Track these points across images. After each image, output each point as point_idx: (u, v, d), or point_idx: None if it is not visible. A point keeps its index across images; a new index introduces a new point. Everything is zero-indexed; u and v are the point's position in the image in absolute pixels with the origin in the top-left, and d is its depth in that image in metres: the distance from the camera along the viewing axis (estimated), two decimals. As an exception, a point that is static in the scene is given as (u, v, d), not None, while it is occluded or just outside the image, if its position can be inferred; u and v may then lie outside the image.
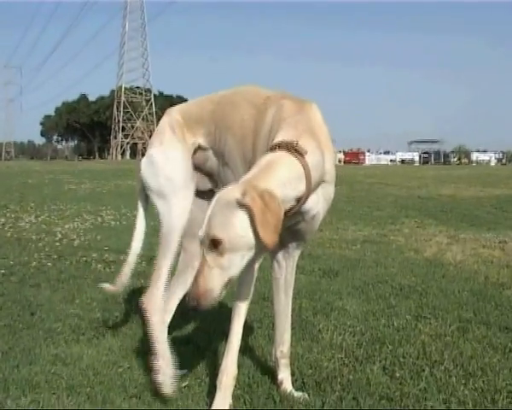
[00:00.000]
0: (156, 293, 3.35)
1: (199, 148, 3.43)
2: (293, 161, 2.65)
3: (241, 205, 2.45)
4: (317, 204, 2.90)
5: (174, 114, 3.52)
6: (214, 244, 2.47)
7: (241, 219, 2.47)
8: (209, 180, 3.56)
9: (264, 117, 3.02)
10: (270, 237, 2.44)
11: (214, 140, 3.35)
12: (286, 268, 3.26)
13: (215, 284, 2.48)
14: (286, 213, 2.62)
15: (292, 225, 2.94)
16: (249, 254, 2.53)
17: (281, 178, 2.60)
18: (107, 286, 3.91)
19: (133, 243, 3.74)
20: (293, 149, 2.67)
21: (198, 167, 3.48)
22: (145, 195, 3.56)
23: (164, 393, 3.15)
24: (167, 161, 3.37)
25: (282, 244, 3.19)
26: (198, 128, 3.41)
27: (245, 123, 3.16)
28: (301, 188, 2.66)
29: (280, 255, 3.24)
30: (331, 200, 3.04)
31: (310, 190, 2.70)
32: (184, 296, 3.55)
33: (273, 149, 2.70)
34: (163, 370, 3.22)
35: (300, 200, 2.69)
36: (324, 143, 2.86)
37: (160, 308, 3.37)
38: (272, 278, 3.33)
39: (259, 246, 2.52)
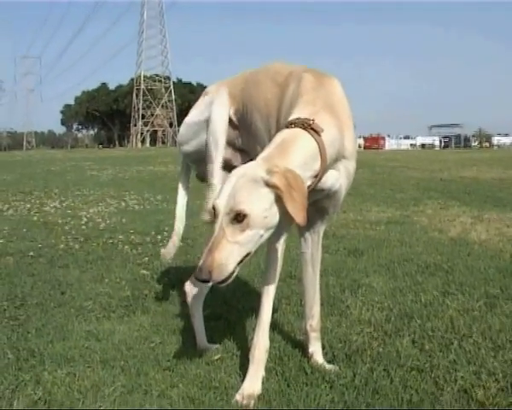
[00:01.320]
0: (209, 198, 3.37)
1: (230, 122, 3.46)
2: (308, 140, 2.67)
3: (268, 184, 2.48)
4: (338, 180, 2.95)
5: (214, 89, 3.58)
6: (238, 219, 2.47)
7: (267, 198, 2.50)
8: (241, 156, 3.58)
9: (286, 93, 3.05)
10: (300, 215, 2.48)
11: (243, 118, 3.39)
12: (311, 242, 3.30)
13: (232, 258, 2.47)
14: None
15: (315, 202, 2.99)
16: (268, 233, 2.56)
17: (297, 157, 2.63)
18: (162, 251, 4.00)
19: (177, 213, 3.89)
20: (309, 126, 2.69)
21: (231, 144, 3.51)
22: (186, 170, 3.75)
23: None
24: (201, 102, 3.56)
25: (308, 220, 3.23)
26: (232, 104, 3.46)
27: (269, 102, 3.19)
28: (316, 167, 2.69)
29: (306, 231, 3.28)
30: (352, 176, 3.07)
31: (325, 167, 2.72)
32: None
33: (289, 126, 2.73)
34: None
35: (316, 177, 2.72)
36: (344, 119, 2.88)
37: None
38: (299, 254, 3.37)
39: (286, 224, 2.55)
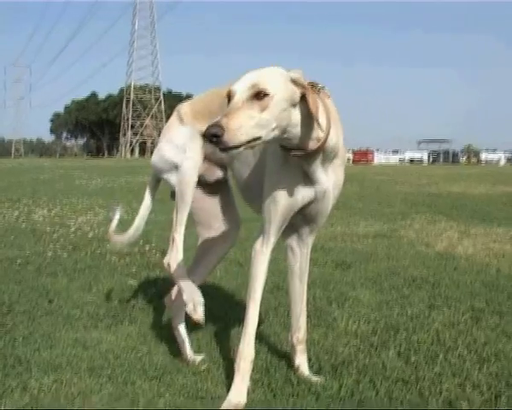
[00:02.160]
0: (176, 245, 3.40)
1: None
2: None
3: (295, 81, 2.59)
4: (327, 180, 2.96)
5: (182, 108, 3.56)
6: (259, 97, 2.50)
7: (291, 92, 2.59)
8: (219, 169, 3.61)
9: None
10: (318, 113, 2.59)
11: None
12: (300, 255, 3.31)
13: (245, 129, 2.44)
14: (308, 153, 2.77)
15: (304, 207, 3.02)
16: (277, 132, 2.57)
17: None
18: (115, 236, 4.07)
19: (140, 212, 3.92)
20: (317, 90, 2.76)
21: (207, 158, 3.52)
22: (155, 183, 3.72)
23: (195, 319, 3.16)
24: (176, 136, 3.45)
25: (296, 230, 3.27)
26: (206, 121, 3.40)
27: None
28: (324, 122, 2.74)
29: (294, 243, 3.31)
30: (341, 184, 3.10)
31: (328, 132, 2.77)
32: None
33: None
34: (191, 298, 3.23)
35: (320, 141, 2.76)
36: (334, 116, 2.88)
37: (180, 257, 3.39)
38: (287, 265, 3.37)
39: (302, 126, 2.65)
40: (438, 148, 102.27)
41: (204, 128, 3.42)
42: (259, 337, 3.72)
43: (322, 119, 2.72)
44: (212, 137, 2.40)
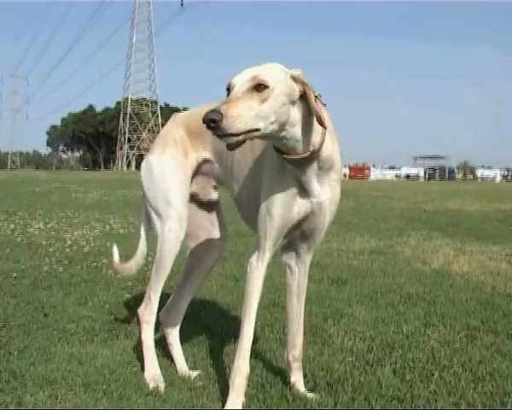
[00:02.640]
0: (149, 311, 3.53)
1: (204, 161, 3.50)
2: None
3: (295, 78, 2.64)
4: (323, 192, 2.97)
5: (178, 125, 3.57)
6: (259, 89, 2.53)
7: (291, 88, 2.62)
8: (214, 191, 3.66)
9: None
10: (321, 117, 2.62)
11: (221, 153, 3.40)
12: (298, 274, 3.30)
13: (244, 118, 2.46)
14: (304, 158, 2.77)
15: (300, 222, 3.03)
16: (275, 127, 2.59)
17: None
18: (116, 257, 4.06)
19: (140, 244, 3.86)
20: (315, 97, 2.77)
21: (205, 177, 3.57)
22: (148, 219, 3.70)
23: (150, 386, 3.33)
24: (165, 179, 3.45)
25: (294, 248, 3.27)
26: (203, 142, 3.47)
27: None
28: (319, 128, 2.76)
29: (292, 262, 3.30)
30: (338, 199, 3.10)
31: (323, 139, 2.79)
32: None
33: None
34: (151, 377, 3.43)
35: (317, 150, 2.78)
36: (329, 126, 2.87)
37: (151, 322, 3.54)
38: (285, 284, 3.37)
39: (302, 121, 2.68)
40: (434, 164, 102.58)
41: (198, 156, 3.49)
42: (255, 353, 3.72)
43: (316, 125, 2.75)
44: (210, 122, 2.42)
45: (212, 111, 2.41)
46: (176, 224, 3.39)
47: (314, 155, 2.80)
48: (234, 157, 3.29)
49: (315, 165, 2.85)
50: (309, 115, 2.72)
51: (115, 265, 4.06)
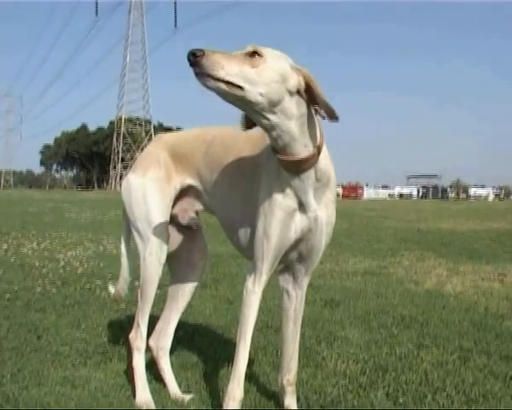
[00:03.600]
0: (138, 337, 3.52)
1: (188, 187, 3.50)
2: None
3: (296, 68, 2.65)
4: (320, 209, 2.96)
5: (162, 147, 3.55)
6: (252, 55, 2.53)
7: (286, 72, 2.62)
8: (194, 214, 3.64)
9: (263, 147, 3.11)
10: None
11: (207, 181, 3.40)
12: (295, 298, 3.28)
13: (227, 68, 2.45)
14: (300, 161, 2.76)
15: (298, 242, 3.02)
16: (268, 99, 2.56)
17: None
18: (111, 290, 4.03)
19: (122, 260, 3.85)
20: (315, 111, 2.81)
21: (188, 201, 3.57)
22: (129, 232, 3.71)
23: None
24: (146, 201, 3.44)
25: (291, 272, 3.26)
26: (188, 167, 3.46)
27: (243, 163, 3.22)
28: (317, 134, 2.80)
29: (290, 286, 3.28)
30: (333, 219, 3.09)
31: (322, 144, 2.82)
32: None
33: None
34: (141, 397, 3.45)
35: (315, 155, 2.79)
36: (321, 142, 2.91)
37: (142, 349, 3.54)
38: (282, 308, 3.34)
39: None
40: (427, 183, 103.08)
41: (182, 181, 3.49)
42: (248, 377, 3.71)
43: (314, 130, 2.79)
44: (191, 55, 2.39)
45: (197, 49, 2.40)
46: (156, 247, 3.40)
47: (311, 160, 2.79)
48: (224, 182, 3.29)
49: (312, 175, 2.84)
50: (309, 117, 2.74)
51: (112, 296, 4.06)
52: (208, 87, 2.47)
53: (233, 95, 2.51)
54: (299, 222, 2.95)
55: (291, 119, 2.67)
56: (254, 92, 2.52)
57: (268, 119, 2.63)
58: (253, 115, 2.66)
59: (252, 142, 3.21)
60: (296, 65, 2.68)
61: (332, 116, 2.70)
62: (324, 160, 2.87)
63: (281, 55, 2.66)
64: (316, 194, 2.92)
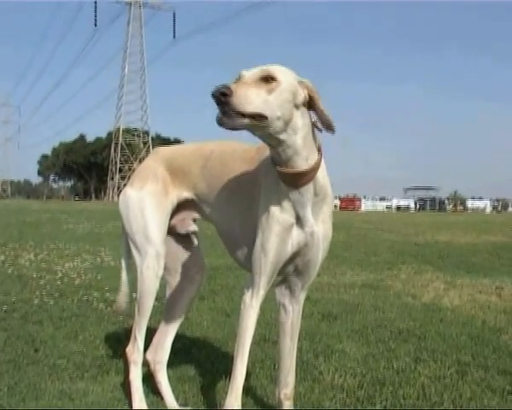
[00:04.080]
0: (136, 351, 3.51)
1: (186, 201, 3.51)
2: None
3: (303, 83, 2.71)
4: (317, 224, 2.98)
5: (160, 161, 3.56)
6: (267, 80, 2.56)
7: (296, 89, 2.68)
8: (192, 223, 3.66)
9: (260, 162, 3.13)
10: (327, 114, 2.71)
11: (205, 195, 3.42)
12: (292, 313, 3.28)
13: (252, 100, 2.49)
14: (299, 174, 2.78)
15: (295, 255, 3.03)
16: (283, 120, 2.61)
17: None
18: (114, 307, 4.06)
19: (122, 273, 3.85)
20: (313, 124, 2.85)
21: (186, 212, 3.58)
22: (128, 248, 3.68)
23: None
24: (143, 215, 3.44)
25: (288, 286, 3.26)
26: (185, 181, 3.47)
27: (241, 179, 3.24)
28: (316, 147, 2.84)
29: (286, 300, 3.28)
30: (330, 234, 3.11)
31: (321, 158, 2.85)
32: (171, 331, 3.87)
33: None
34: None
35: (315, 169, 2.82)
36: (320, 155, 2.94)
37: (139, 362, 3.52)
38: (278, 322, 3.35)
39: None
40: (425, 195, 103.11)
41: (179, 195, 3.50)
42: (245, 390, 3.69)
43: (314, 143, 2.82)
44: (221, 95, 2.42)
45: (223, 86, 2.42)
46: (154, 261, 3.40)
47: (311, 173, 2.81)
48: (222, 197, 3.31)
49: (311, 188, 2.86)
50: (309, 130, 2.77)
51: (113, 310, 4.08)
52: (236, 127, 2.53)
53: (261, 127, 2.58)
54: (295, 237, 2.96)
55: (297, 133, 2.71)
56: (274, 118, 2.58)
57: (278, 138, 2.68)
58: (263, 137, 2.71)
59: (249, 157, 3.23)
60: (300, 78, 2.72)
61: (329, 128, 2.75)
62: (322, 173, 2.90)
63: (290, 73, 2.70)
64: (313, 209, 2.94)
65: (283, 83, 2.60)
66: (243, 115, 2.47)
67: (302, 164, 2.78)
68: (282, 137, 2.67)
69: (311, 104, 2.74)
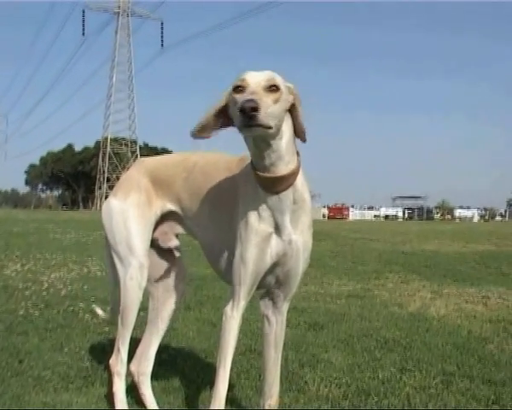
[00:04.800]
0: (119, 362, 3.50)
1: (169, 212, 3.50)
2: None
3: (290, 89, 2.74)
4: (295, 233, 2.97)
5: (144, 171, 3.55)
6: (271, 89, 2.62)
7: (287, 95, 2.72)
8: (175, 238, 3.66)
9: (241, 171, 3.14)
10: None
11: (188, 207, 3.42)
12: (276, 324, 3.28)
13: (271, 112, 2.56)
14: (278, 179, 2.80)
15: (275, 266, 3.02)
16: (279, 127, 2.67)
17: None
18: (100, 312, 4.02)
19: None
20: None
21: (168, 225, 3.57)
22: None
23: None
24: (126, 226, 3.43)
25: (271, 298, 3.26)
26: (168, 193, 3.47)
27: (222, 190, 3.25)
28: (296, 152, 2.87)
29: (269, 312, 3.28)
30: (310, 245, 3.11)
31: (299, 165, 2.87)
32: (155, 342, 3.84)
33: None
34: None
35: (294, 174, 2.83)
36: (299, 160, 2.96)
37: (122, 374, 3.51)
38: (262, 333, 3.35)
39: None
40: (413, 204, 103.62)
41: (163, 206, 3.49)
42: (230, 400, 3.71)
43: (294, 147, 2.85)
44: (251, 110, 2.47)
45: (250, 100, 2.49)
46: (137, 272, 3.39)
47: (291, 178, 2.83)
48: (204, 209, 3.32)
49: (290, 194, 2.87)
50: (291, 134, 2.80)
51: (104, 319, 4.05)
52: (254, 136, 2.66)
53: (269, 135, 2.66)
54: (274, 246, 2.96)
55: (282, 138, 2.74)
56: (277, 126, 2.65)
57: (269, 143, 2.72)
58: (257, 142, 2.74)
59: (230, 168, 3.24)
60: (286, 83, 2.75)
61: (301, 137, 2.77)
62: (300, 179, 2.91)
63: (282, 79, 2.73)
64: (292, 218, 2.94)
65: (284, 92, 2.66)
66: (268, 127, 2.55)
67: (283, 169, 2.79)
68: (272, 141, 2.70)
69: (291, 109, 2.77)
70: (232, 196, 3.13)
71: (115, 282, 3.73)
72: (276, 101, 2.60)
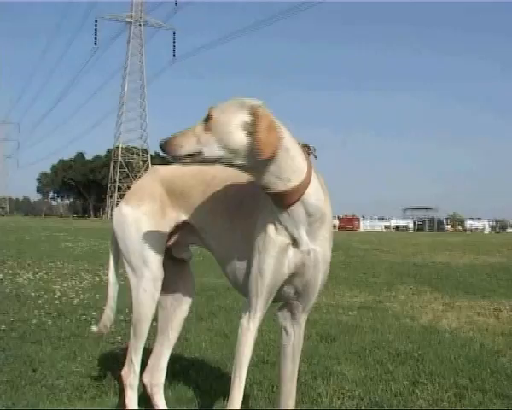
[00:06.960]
0: (131, 374, 3.51)
1: (183, 224, 3.47)
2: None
3: (252, 111, 2.72)
4: (314, 245, 2.97)
5: (158, 180, 3.53)
6: (207, 119, 2.74)
7: (240, 120, 2.72)
8: (188, 250, 3.70)
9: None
10: (265, 149, 2.66)
11: (205, 220, 3.40)
12: (294, 336, 3.27)
13: (186, 147, 2.72)
14: (284, 196, 2.81)
15: (293, 276, 3.02)
16: (228, 149, 2.71)
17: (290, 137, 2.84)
18: (94, 329, 4.00)
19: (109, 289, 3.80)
20: (308, 149, 2.94)
21: (182, 235, 3.56)
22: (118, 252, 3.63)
23: None
24: (140, 237, 3.40)
25: (289, 310, 3.26)
26: (184, 205, 3.44)
27: (243, 203, 3.24)
28: (302, 169, 2.83)
29: (287, 323, 3.27)
30: (329, 257, 3.10)
31: (307, 183, 2.84)
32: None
33: None
34: None
35: (299, 189, 2.81)
36: (321, 179, 2.97)
37: (134, 385, 3.52)
38: (280, 345, 3.33)
39: (248, 155, 2.71)
40: (423, 215, 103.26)
41: (177, 217, 3.49)
42: (244, 412, 3.71)
43: (301, 162, 2.83)
44: (160, 147, 2.75)
45: (163, 140, 2.75)
46: (151, 284, 3.39)
47: (295, 194, 2.81)
48: (224, 222, 3.31)
49: (301, 209, 2.86)
50: (287, 152, 2.77)
51: (96, 333, 4.04)
52: (176, 163, 2.86)
53: (198, 161, 2.78)
54: (292, 257, 2.96)
55: (272, 160, 2.73)
56: (212, 150, 2.73)
57: (244, 166, 2.79)
58: (241, 167, 2.82)
59: (252, 182, 3.23)
60: (252, 102, 2.74)
61: (263, 151, 2.70)
62: (316, 195, 2.88)
63: (233, 104, 2.76)
64: (309, 230, 2.94)
65: (220, 119, 2.74)
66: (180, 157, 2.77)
67: (280, 186, 2.79)
68: (248, 163, 2.76)
69: (251, 130, 2.71)
70: (252, 210, 3.14)
71: (116, 288, 3.74)
72: (207, 130, 2.74)
